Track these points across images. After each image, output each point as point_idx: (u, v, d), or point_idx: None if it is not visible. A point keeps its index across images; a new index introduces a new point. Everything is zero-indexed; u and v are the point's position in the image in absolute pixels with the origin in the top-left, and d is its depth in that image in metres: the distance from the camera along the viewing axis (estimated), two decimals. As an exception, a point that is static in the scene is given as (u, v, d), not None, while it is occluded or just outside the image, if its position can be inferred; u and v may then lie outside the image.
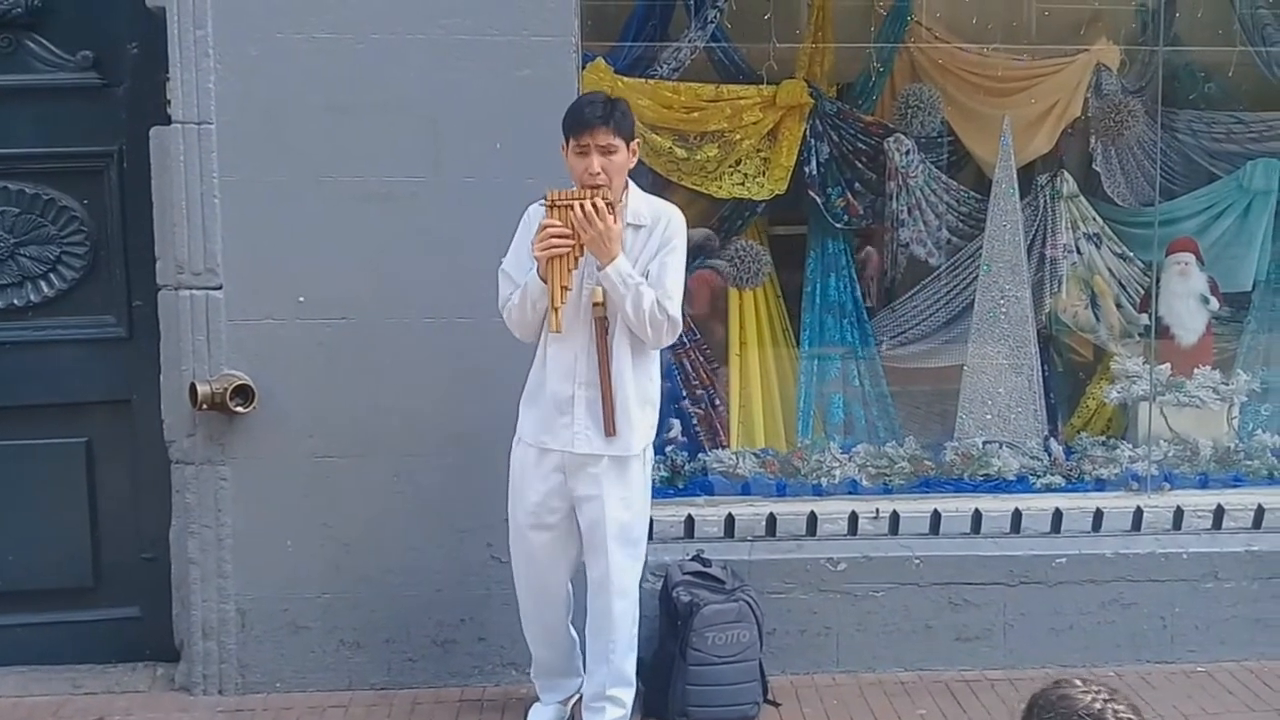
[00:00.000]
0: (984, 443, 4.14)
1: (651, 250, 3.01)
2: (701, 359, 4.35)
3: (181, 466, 3.51)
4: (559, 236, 2.89)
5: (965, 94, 4.36)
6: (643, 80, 3.98)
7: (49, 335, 3.64)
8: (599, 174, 2.91)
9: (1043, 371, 4.43)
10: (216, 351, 3.45)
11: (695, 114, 4.05)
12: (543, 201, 2.94)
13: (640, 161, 3.94)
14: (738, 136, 4.10)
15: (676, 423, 4.23)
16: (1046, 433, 4.24)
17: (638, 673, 3.38)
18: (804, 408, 4.34)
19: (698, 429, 4.25)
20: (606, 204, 2.90)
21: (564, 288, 2.92)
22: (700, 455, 4.07)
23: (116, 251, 3.62)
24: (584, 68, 3.77)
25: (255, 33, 3.37)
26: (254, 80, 3.40)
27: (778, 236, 4.56)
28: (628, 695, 3.17)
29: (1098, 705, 1.60)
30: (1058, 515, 3.79)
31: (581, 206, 2.87)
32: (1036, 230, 4.44)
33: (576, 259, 2.94)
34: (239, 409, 3.39)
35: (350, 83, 3.41)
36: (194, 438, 3.47)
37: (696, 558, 3.52)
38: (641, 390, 3.05)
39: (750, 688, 3.37)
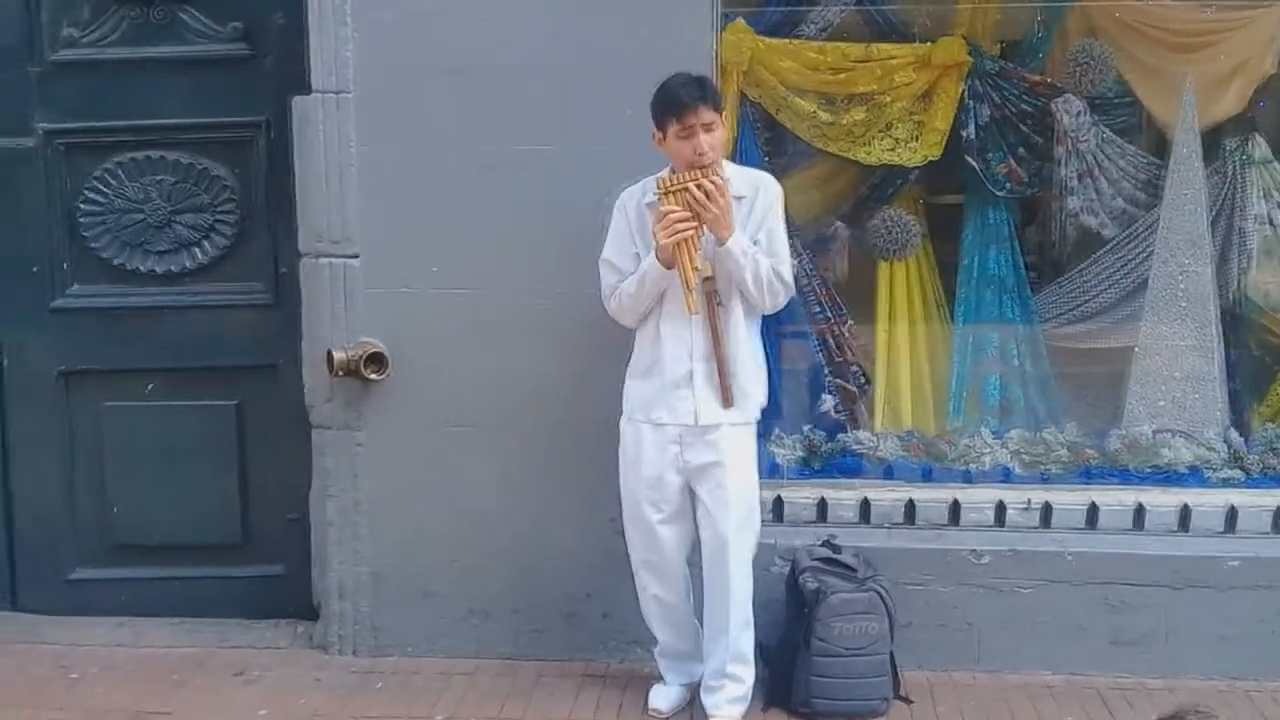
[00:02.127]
0: (1154, 431, 3.81)
1: (757, 219, 3.01)
2: (847, 334, 4.16)
3: (320, 431, 3.59)
4: (681, 220, 2.87)
5: (1143, 50, 3.98)
6: (786, 41, 3.80)
7: (202, 300, 3.78)
8: (707, 153, 2.88)
9: (1227, 355, 4.05)
10: (353, 319, 3.50)
11: (842, 75, 3.85)
12: (654, 192, 2.94)
13: (781, 125, 3.86)
14: (888, 99, 3.87)
15: (829, 398, 4.08)
16: (1228, 422, 3.86)
17: (762, 658, 3.30)
18: (956, 388, 4.10)
19: (840, 408, 4.07)
20: (724, 180, 2.90)
21: (695, 269, 2.90)
22: (840, 435, 3.88)
23: (263, 220, 3.71)
24: (723, 28, 3.61)
25: (394, 5, 3.35)
26: (389, 48, 3.41)
27: (933, 205, 4.30)
28: (746, 673, 3.10)
29: None
30: (1232, 512, 3.46)
31: (699, 186, 2.85)
32: (1223, 199, 4.04)
33: (699, 239, 2.93)
34: (373, 376, 3.44)
35: (481, 49, 3.38)
36: (331, 403, 3.54)
37: (826, 543, 3.38)
38: (754, 358, 3.08)
39: (879, 683, 3.21)
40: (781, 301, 3.05)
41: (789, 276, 3.01)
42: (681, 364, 3.00)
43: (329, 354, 3.43)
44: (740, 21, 3.70)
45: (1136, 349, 3.94)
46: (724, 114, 3.01)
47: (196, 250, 3.75)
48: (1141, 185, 4.07)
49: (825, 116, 3.85)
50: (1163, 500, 3.51)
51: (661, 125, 2.94)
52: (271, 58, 3.63)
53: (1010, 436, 3.83)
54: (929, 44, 3.86)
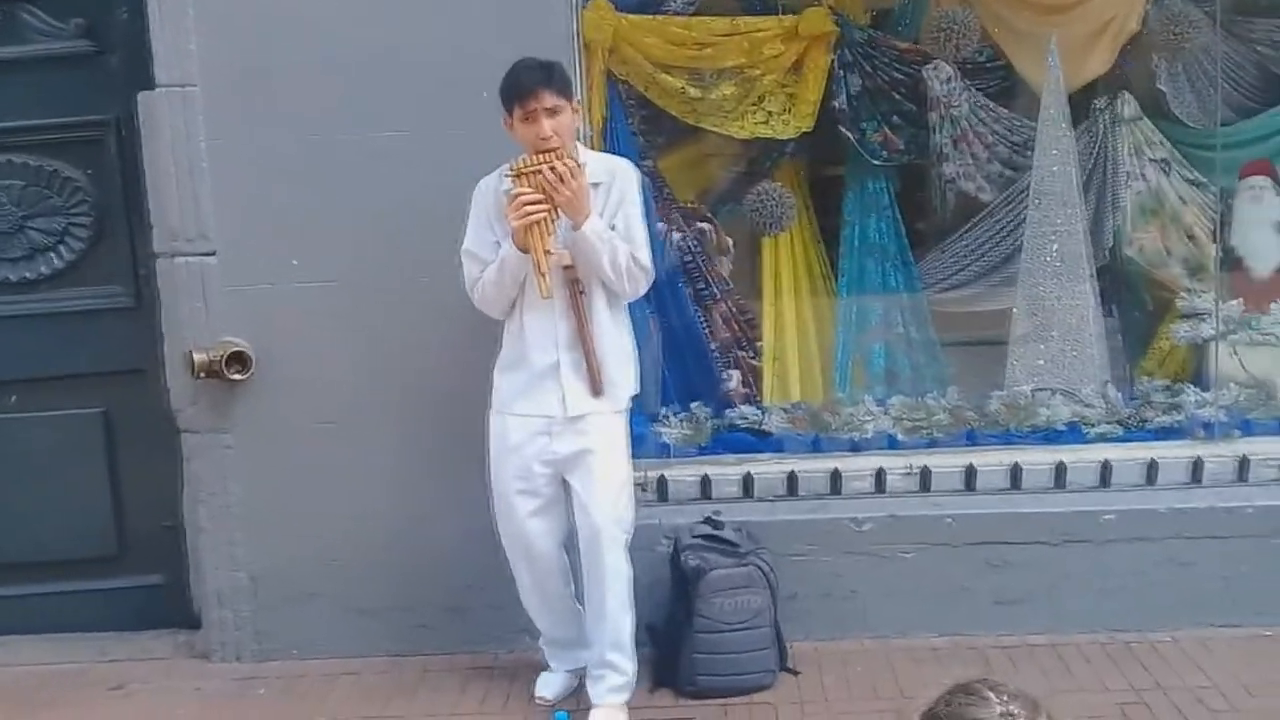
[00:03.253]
0: (1033, 390, 3.84)
1: (613, 206, 2.97)
2: (734, 310, 4.14)
3: (187, 435, 3.49)
4: (532, 203, 2.81)
5: (1011, 12, 4.00)
6: (650, 17, 3.75)
7: (60, 307, 3.66)
8: (551, 137, 2.83)
9: (1108, 312, 4.09)
10: (214, 318, 3.41)
11: (708, 49, 3.81)
12: (507, 173, 2.88)
13: (652, 103, 3.82)
14: (758, 72, 3.85)
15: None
16: (1106, 379, 3.90)
17: (650, 639, 3.27)
18: (841, 358, 4.10)
19: (725, 383, 4.05)
20: (577, 164, 2.85)
21: (548, 252, 2.86)
22: (726, 412, 3.86)
23: (120, 221, 3.61)
24: (584, 7, 3.57)
25: (232, -10, 3.27)
26: (235, 40, 3.32)
27: (814, 177, 4.30)
28: (626, 661, 3.06)
29: None
30: (1106, 468, 3.50)
31: (551, 168, 2.80)
32: (1095, 158, 4.08)
33: (553, 222, 2.87)
34: (236, 376, 3.35)
35: (333, 37, 3.30)
36: (196, 406, 3.45)
37: (708, 520, 3.35)
38: (621, 345, 3.03)
39: (763, 655, 3.20)
40: (642, 287, 2.99)
41: (647, 262, 2.95)
42: (547, 354, 2.95)
43: (189, 355, 3.33)
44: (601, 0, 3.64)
45: (1013, 310, 3.95)
46: (574, 99, 2.97)
47: (52, 255, 3.63)
48: (1017, 148, 4.10)
49: (694, 92, 3.82)
50: (1038, 459, 3.54)
51: (508, 109, 2.90)
52: (118, 54, 3.51)
53: (892, 404, 3.83)
54: (795, 16, 3.82)
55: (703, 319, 4.08)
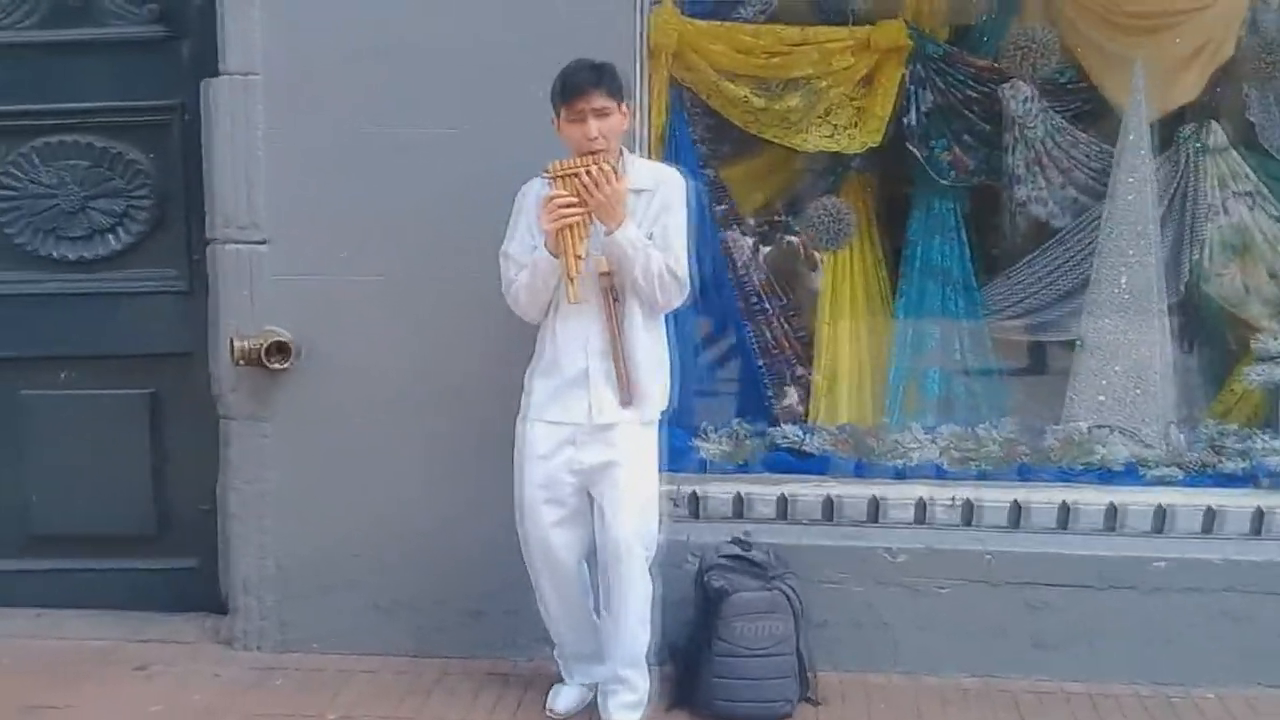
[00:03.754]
0: (1091, 427, 3.67)
1: (654, 214, 2.91)
2: (787, 327, 4.05)
3: (227, 421, 3.52)
4: (567, 206, 2.78)
5: (1098, 33, 3.82)
6: (718, 23, 3.68)
7: (117, 288, 3.71)
8: (597, 138, 2.80)
9: (1181, 351, 3.90)
10: (261, 306, 3.43)
11: (777, 59, 3.72)
12: (544, 175, 2.84)
13: (716, 112, 3.75)
14: (825, 84, 3.75)
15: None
16: (1171, 419, 3.71)
17: (671, 657, 3.20)
18: (894, 382, 3.97)
19: (773, 402, 3.96)
20: (611, 168, 2.79)
21: (578, 257, 2.82)
22: (769, 430, 3.77)
23: (179, 205, 3.64)
24: (651, 10, 3.52)
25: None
26: (298, 30, 3.34)
27: (880, 194, 4.19)
28: (640, 678, 3.01)
29: None
30: (1161, 512, 3.33)
31: (588, 172, 2.76)
32: (1177, 189, 3.90)
33: (587, 227, 2.83)
34: (276, 366, 3.36)
35: (394, 31, 3.30)
36: (237, 393, 3.47)
37: (736, 540, 3.26)
38: (654, 356, 2.96)
39: (783, 684, 3.11)
40: (676, 300, 2.91)
41: (683, 273, 2.87)
42: (578, 361, 2.90)
43: (230, 342, 3.35)
44: (668, 3, 3.59)
45: (1077, 342, 3.79)
46: (624, 103, 2.90)
47: (110, 237, 3.69)
48: (1094, 174, 3.93)
49: (758, 101, 3.74)
50: (1088, 498, 3.39)
51: (556, 109, 2.86)
52: (188, 40, 3.55)
53: (941, 432, 3.70)
54: (869, 27, 3.72)
55: (753, 334, 3.99)
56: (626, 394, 2.89)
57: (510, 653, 3.44)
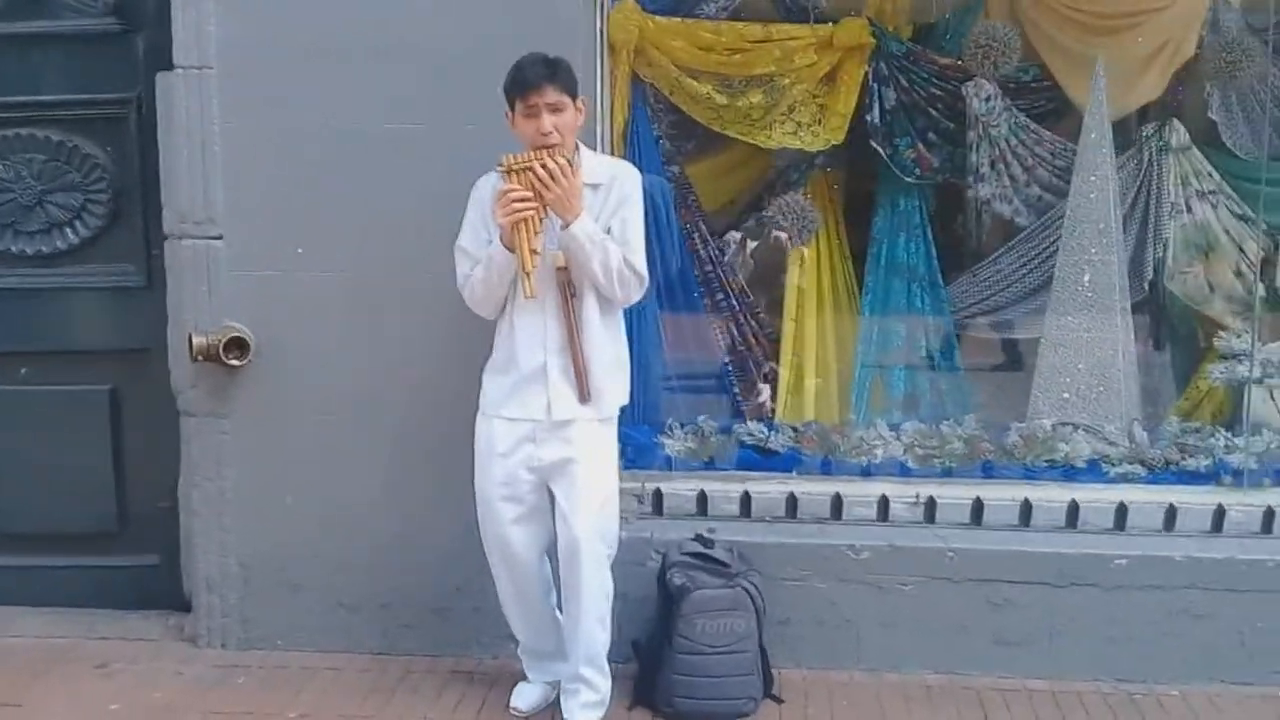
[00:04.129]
0: (1055, 425, 3.68)
1: (611, 208, 2.89)
2: (754, 324, 4.05)
3: (186, 418, 3.48)
4: (521, 200, 2.75)
5: (1060, 32, 3.84)
6: (680, 20, 3.67)
7: (74, 283, 3.68)
8: (551, 133, 2.79)
9: (1144, 348, 3.92)
10: (218, 302, 3.40)
11: (738, 56, 3.71)
12: (498, 168, 2.81)
13: (677, 109, 3.74)
14: (787, 81, 3.74)
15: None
16: (1134, 417, 3.73)
17: (635, 656, 3.19)
18: (859, 379, 3.98)
19: (740, 399, 3.96)
20: (567, 161, 2.78)
21: (533, 251, 2.80)
22: (735, 427, 3.77)
23: (136, 200, 3.61)
24: (612, 7, 3.51)
25: (255, -28, 3.25)
26: (254, 23, 3.30)
27: (846, 191, 4.19)
28: (600, 677, 3.01)
29: None
30: (1122, 510, 3.35)
31: (543, 166, 2.75)
32: (1140, 187, 3.91)
33: (541, 220, 2.81)
34: (234, 362, 3.34)
35: (352, 26, 3.28)
36: (196, 389, 3.44)
37: (699, 537, 3.26)
38: (612, 352, 2.95)
39: (745, 681, 3.10)
40: (635, 294, 2.89)
41: (641, 267, 2.86)
42: (535, 356, 2.89)
43: (189, 338, 3.32)
44: (629, 0, 3.57)
45: (1041, 340, 3.80)
46: (578, 98, 2.89)
47: (68, 231, 3.65)
48: (1059, 172, 3.95)
49: (720, 99, 3.73)
50: (1049, 496, 3.40)
51: (510, 103, 2.85)
52: (144, 33, 3.52)
53: (905, 429, 3.70)
54: (832, 25, 3.71)
55: (720, 331, 3.99)
56: (584, 390, 2.88)
57: (475, 650, 3.43)
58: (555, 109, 2.78)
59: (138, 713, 3.17)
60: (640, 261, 2.86)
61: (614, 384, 2.95)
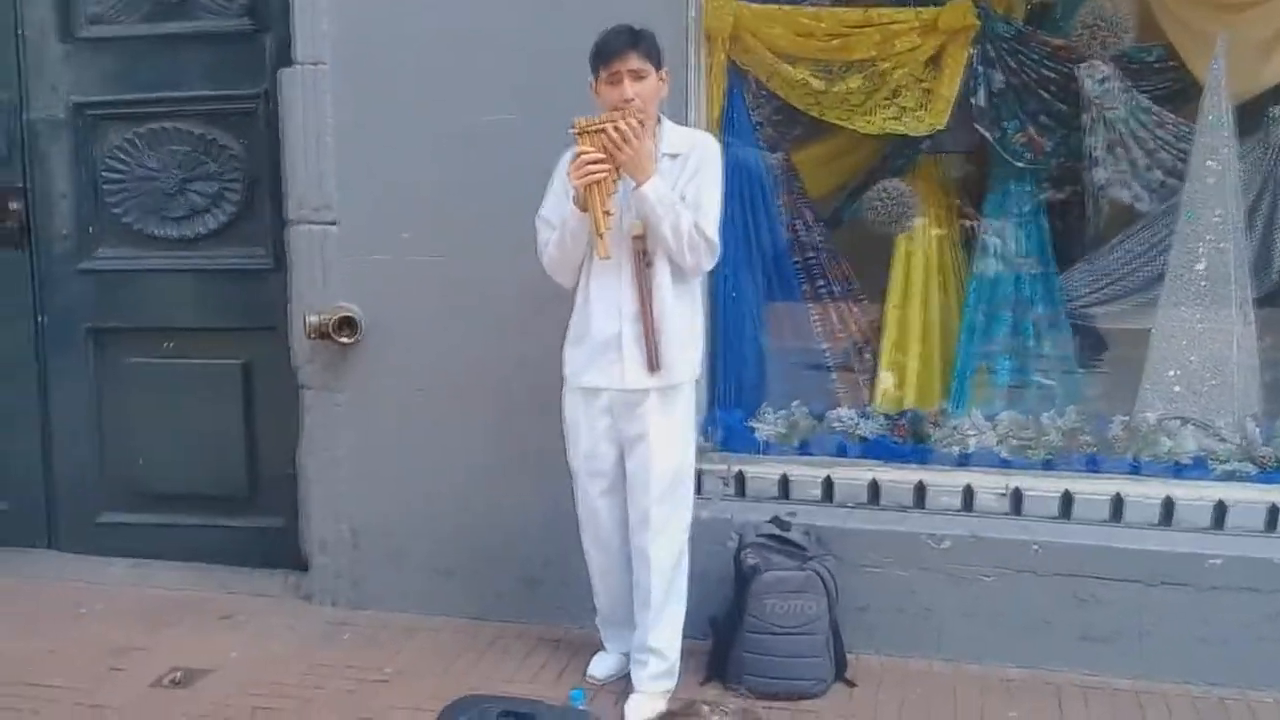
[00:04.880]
0: (1161, 418, 3.56)
1: (688, 176, 2.92)
2: (855, 310, 4.05)
3: (305, 391, 3.73)
4: (594, 162, 2.81)
5: (1188, 10, 3.68)
6: (776, 6, 3.69)
7: (212, 264, 3.98)
8: (634, 99, 2.83)
9: (1266, 342, 3.74)
10: (332, 284, 3.63)
11: (837, 41, 3.71)
12: (570, 130, 2.85)
13: (771, 95, 3.77)
14: (888, 65, 3.72)
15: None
16: (1249, 412, 3.57)
17: (713, 632, 3.27)
18: (960, 369, 3.93)
19: (836, 385, 3.98)
20: (639, 122, 2.81)
21: (606, 213, 2.83)
22: (828, 413, 3.79)
23: (266, 188, 3.87)
24: (709, -5, 3.57)
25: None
26: (363, 20, 3.51)
27: (957, 177, 4.15)
28: (669, 649, 3.07)
29: None
30: (1220, 508, 3.21)
31: (615, 128, 2.79)
32: (1267, 173, 3.72)
33: (614, 183, 2.86)
34: (344, 340, 3.56)
35: (452, 21, 3.44)
36: (313, 365, 3.68)
37: (775, 520, 3.30)
38: (685, 323, 2.98)
39: (814, 663, 3.14)
40: (706, 261, 2.90)
41: (712, 234, 2.87)
42: (610, 324, 2.93)
43: (304, 317, 3.56)
44: (726, -15, 3.62)
45: (1153, 330, 3.68)
46: (662, 69, 2.93)
47: (208, 217, 3.96)
48: (1184, 156, 3.78)
49: (817, 84, 3.74)
50: (1143, 491, 3.29)
51: (595, 72, 2.91)
52: (272, 32, 3.77)
53: (1000, 419, 3.64)
54: (936, 8, 3.67)
55: (818, 317, 4.00)
56: (653, 358, 2.90)
57: (563, 620, 3.57)
58: (637, 76, 2.83)
59: (251, 661, 3.43)
60: (711, 228, 2.87)
61: (685, 355, 2.96)
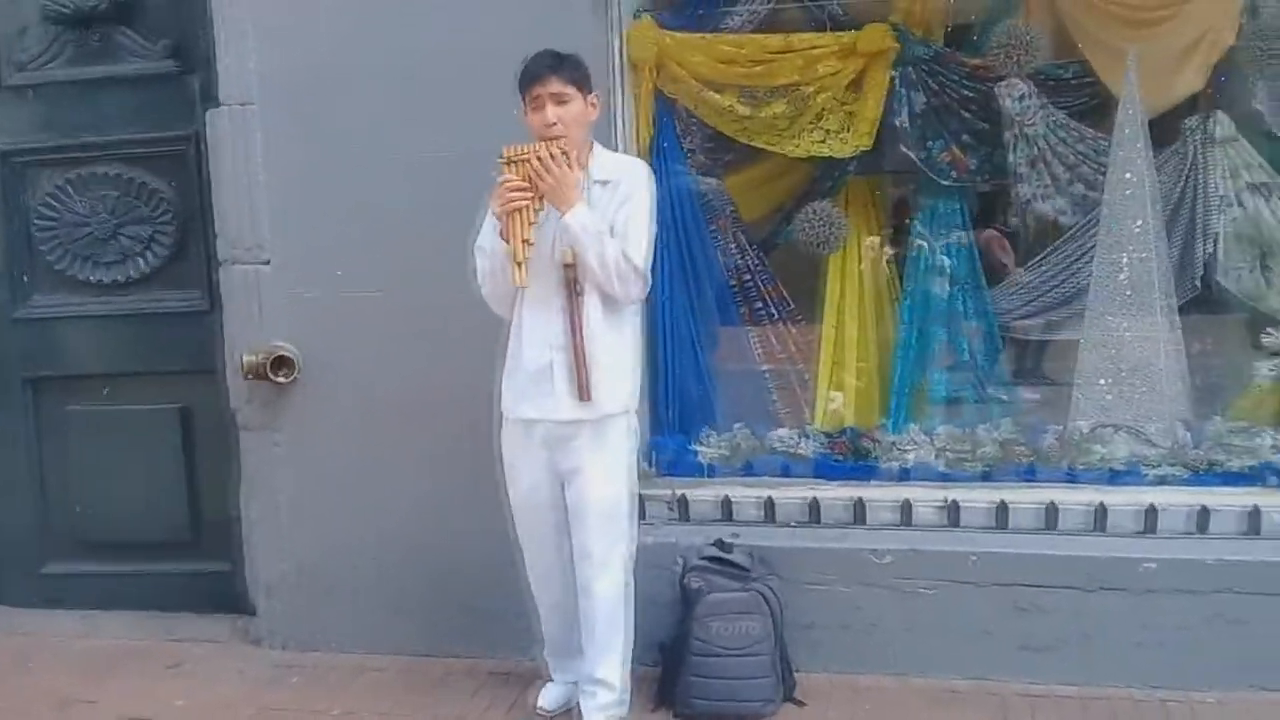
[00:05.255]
0: (1094, 426, 3.63)
1: (617, 203, 2.90)
2: (793, 331, 4.09)
3: (244, 432, 3.71)
4: (517, 190, 2.82)
5: (1100, 27, 3.77)
6: (699, 35, 3.75)
7: (147, 308, 3.97)
8: (555, 124, 2.84)
9: (1193, 346, 3.82)
10: (267, 323, 3.62)
11: (760, 67, 3.76)
12: (499, 160, 2.84)
13: (701, 122, 3.81)
14: (812, 89, 3.77)
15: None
16: (1178, 417, 3.64)
17: (661, 659, 3.27)
18: (898, 385, 3.97)
19: (778, 406, 4.02)
20: (562, 152, 2.82)
21: (526, 242, 2.84)
22: (767, 434, 3.82)
23: (199, 229, 3.87)
24: (630, 25, 3.62)
25: (289, 10, 3.46)
26: (291, 59, 3.53)
27: (887, 197, 4.22)
28: (615, 680, 3.06)
29: None
30: (1152, 512, 3.27)
31: (538, 157, 2.81)
32: (1185, 182, 3.82)
33: (536, 212, 2.86)
34: (280, 379, 3.54)
35: (377, 57, 3.47)
36: (250, 405, 3.66)
37: (717, 542, 3.33)
38: (617, 353, 2.96)
39: (762, 684, 3.15)
40: (635, 291, 2.88)
41: (639, 262, 2.84)
42: (541, 354, 2.91)
43: (240, 358, 3.54)
44: (646, 18, 3.67)
45: (1081, 340, 3.75)
46: (590, 93, 2.92)
47: (140, 260, 3.94)
48: (1103, 169, 3.86)
49: (743, 110, 3.79)
50: (1076, 499, 3.34)
51: (522, 97, 2.92)
52: (198, 73, 3.77)
53: (938, 434, 3.70)
54: (854, 32, 3.74)
55: (756, 339, 4.04)
56: (584, 388, 2.86)
57: (514, 654, 3.55)
58: (560, 100, 2.82)
59: (199, 709, 3.40)
60: (639, 256, 2.84)
61: (618, 385, 2.95)
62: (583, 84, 2.91)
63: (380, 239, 3.52)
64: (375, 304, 3.55)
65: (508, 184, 2.81)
